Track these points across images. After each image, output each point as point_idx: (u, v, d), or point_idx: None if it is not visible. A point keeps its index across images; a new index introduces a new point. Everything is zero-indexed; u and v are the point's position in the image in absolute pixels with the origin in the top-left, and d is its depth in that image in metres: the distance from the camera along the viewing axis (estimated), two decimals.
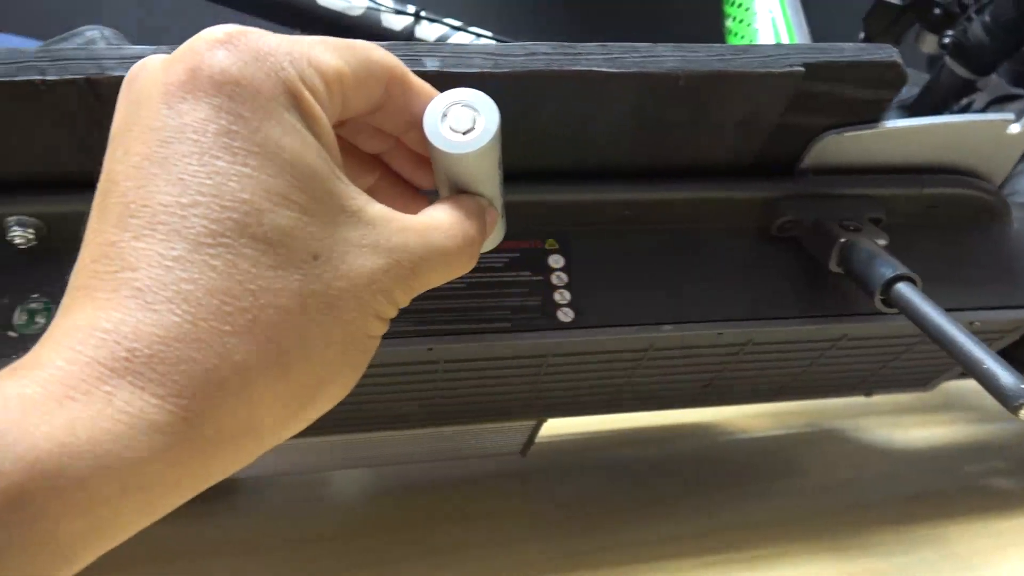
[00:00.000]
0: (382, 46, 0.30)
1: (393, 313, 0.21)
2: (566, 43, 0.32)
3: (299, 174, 0.18)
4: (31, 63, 0.28)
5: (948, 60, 0.58)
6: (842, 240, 0.36)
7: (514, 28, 0.66)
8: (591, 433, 0.61)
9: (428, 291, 0.35)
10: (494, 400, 0.42)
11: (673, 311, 0.37)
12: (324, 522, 0.49)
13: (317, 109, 0.19)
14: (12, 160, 0.30)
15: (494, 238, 0.27)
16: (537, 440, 0.50)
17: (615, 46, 0.32)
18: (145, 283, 0.16)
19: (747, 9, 0.56)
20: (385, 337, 0.34)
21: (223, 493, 0.53)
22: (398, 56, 0.30)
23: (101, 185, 0.18)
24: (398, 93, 0.22)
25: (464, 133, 0.22)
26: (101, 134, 0.30)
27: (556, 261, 0.37)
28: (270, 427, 0.18)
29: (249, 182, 0.17)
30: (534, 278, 0.37)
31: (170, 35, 0.36)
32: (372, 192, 0.25)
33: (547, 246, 0.37)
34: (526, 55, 0.31)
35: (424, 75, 0.30)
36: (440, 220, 0.22)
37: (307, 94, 0.19)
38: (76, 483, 0.15)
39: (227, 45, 0.18)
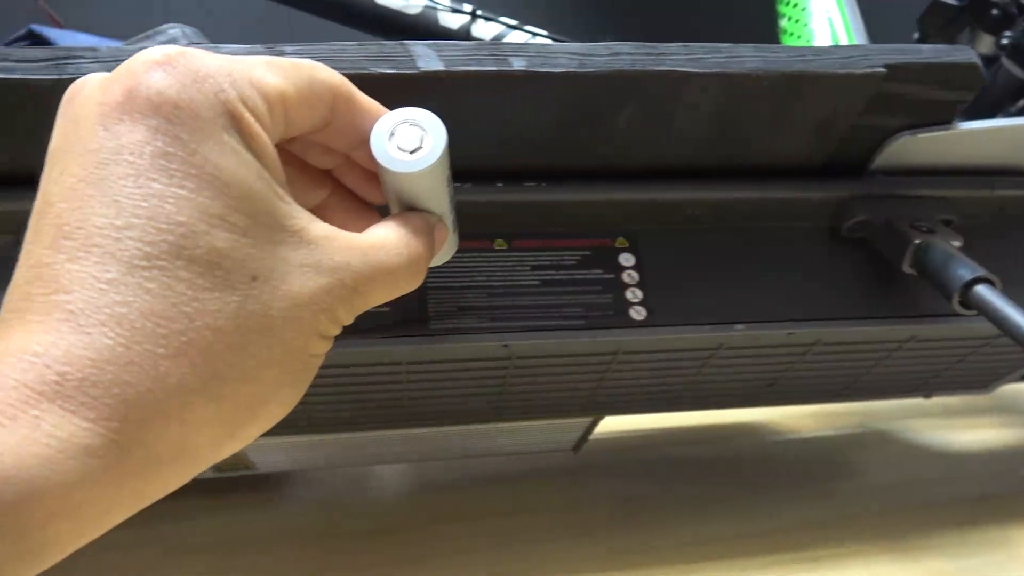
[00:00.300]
0: (470, 45, 0.31)
1: (336, 331, 0.21)
2: (648, 43, 0.32)
3: (238, 195, 0.18)
4: None
5: (1005, 61, 0.57)
6: (916, 242, 0.36)
7: (564, 27, 0.66)
8: (639, 431, 0.61)
9: (502, 288, 0.36)
10: (558, 397, 0.43)
11: (745, 311, 0.37)
12: (370, 515, 0.49)
13: (258, 130, 0.19)
14: None
15: (445, 252, 0.28)
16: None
17: (697, 46, 0.32)
18: (78, 306, 0.16)
19: (803, 9, 0.56)
20: (461, 333, 0.35)
21: (275, 485, 0.54)
22: (483, 56, 0.31)
23: (36, 206, 0.18)
24: (344, 111, 0.22)
25: (411, 152, 0.22)
26: None
27: (627, 259, 0.37)
28: (207, 448, 0.18)
29: (186, 204, 0.17)
30: (605, 276, 0.37)
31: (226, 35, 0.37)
32: (324, 208, 0.25)
33: (617, 244, 0.38)
34: (610, 55, 0.32)
35: (511, 75, 0.31)
36: (384, 238, 0.21)
37: (247, 115, 0.19)
38: (3, 509, 0.15)
39: (165, 66, 0.18)
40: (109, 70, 0.29)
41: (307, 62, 0.21)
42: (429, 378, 0.38)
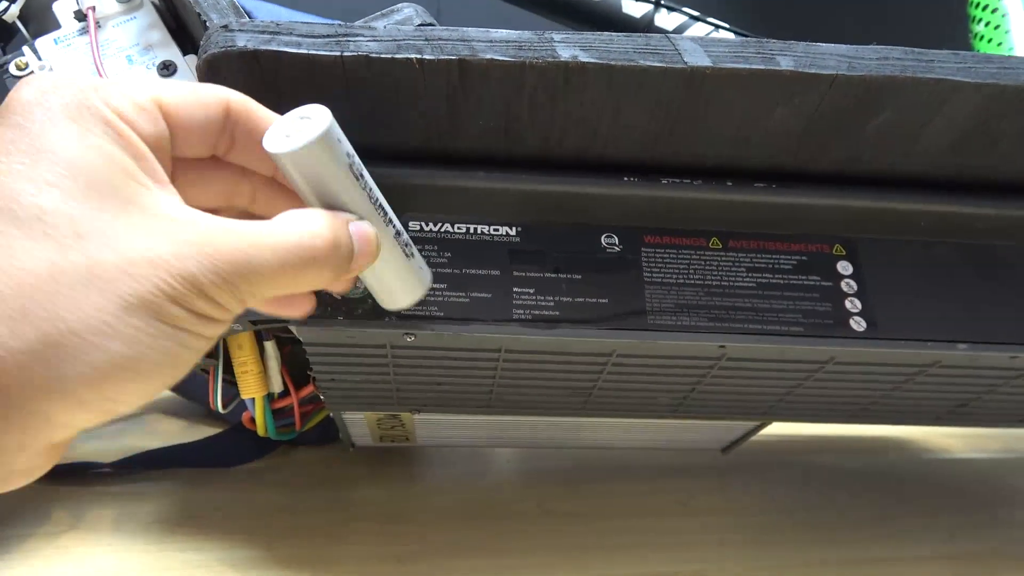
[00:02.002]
0: (736, 42, 0.30)
1: (217, 313, 0.20)
2: (916, 49, 0.31)
3: (75, 168, 0.19)
4: (410, 42, 0.29)
5: None
6: None
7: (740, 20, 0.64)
8: (782, 436, 0.60)
9: (719, 288, 0.35)
10: (744, 400, 0.42)
11: (968, 330, 0.36)
12: (529, 497, 0.50)
13: (116, 122, 0.20)
14: (375, 132, 0.32)
15: (399, 266, 0.26)
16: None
17: (967, 55, 0.31)
18: None
19: (1002, 14, 0.53)
20: (679, 331, 0.35)
21: (430, 460, 0.55)
22: (751, 54, 0.30)
23: None
24: (245, 120, 0.23)
25: (293, 137, 0.22)
26: (463, 112, 0.31)
27: (844, 268, 0.36)
28: (59, 413, 0.19)
29: (19, 175, 0.19)
30: (823, 283, 0.36)
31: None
32: None
33: (835, 252, 0.37)
34: (879, 59, 0.31)
35: (777, 75, 0.30)
36: (264, 227, 0.21)
37: (106, 111, 0.20)
38: None
39: (36, 84, 0.20)
40: (384, 48, 0.29)
41: (196, 83, 0.24)
42: (629, 371, 0.38)
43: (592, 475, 0.53)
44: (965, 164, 0.35)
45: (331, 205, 0.23)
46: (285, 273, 0.21)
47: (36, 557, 0.39)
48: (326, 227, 0.22)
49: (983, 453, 0.61)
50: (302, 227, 0.22)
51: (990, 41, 0.56)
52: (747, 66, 0.30)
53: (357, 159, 0.24)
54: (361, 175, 0.24)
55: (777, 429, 0.60)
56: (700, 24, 0.53)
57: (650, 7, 0.52)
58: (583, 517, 0.46)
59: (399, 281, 0.26)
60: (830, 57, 0.30)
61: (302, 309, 0.26)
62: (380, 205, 0.25)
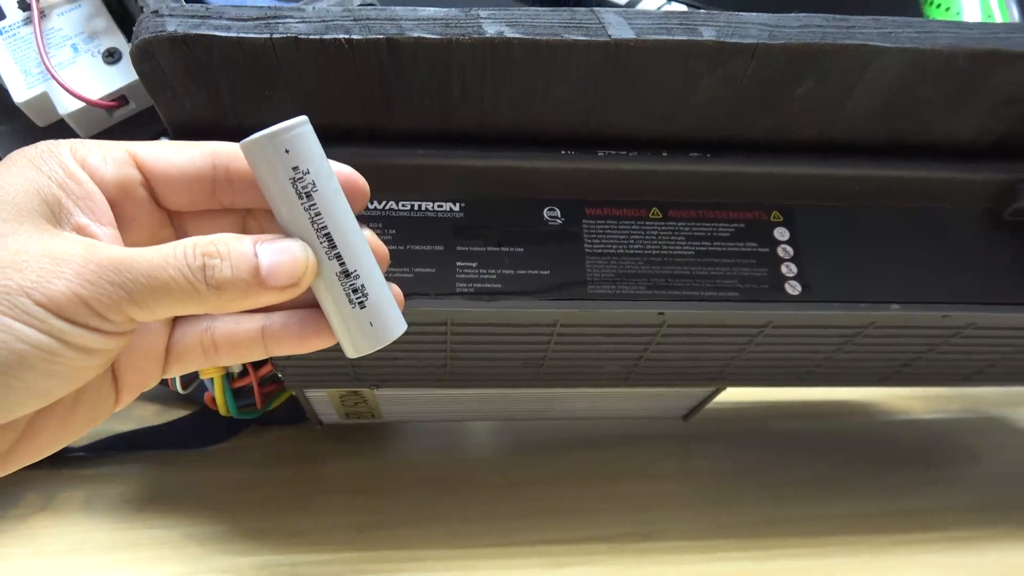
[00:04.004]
0: (660, 14, 0.31)
1: (103, 324, 0.21)
2: (838, 16, 0.32)
3: (5, 194, 0.21)
4: (338, 22, 0.30)
5: None
6: None
7: None
8: (746, 403, 0.61)
9: (658, 257, 0.36)
10: (692, 366, 0.43)
11: (900, 290, 0.37)
12: (497, 469, 0.51)
13: (71, 164, 0.22)
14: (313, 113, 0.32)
15: (337, 309, 0.23)
16: None
17: (888, 20, 0.32)
18: None
19: None
20: (619, 299, 0.36)
21: (395, 434, 0.57)
22: (674, 25, 0.31)
23: None
24: (236, 164, 0.23)
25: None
26: (395, 91, 0.32)
27: (781, 234, 0.37)
28: None
29: None
30: (760, 250, 0.37)
31: None
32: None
33: (772, 218, 0.38)
34: (800, 27, 0.31)
35: (700, 45, 0.31)
36: (159, 249, 0.21)
37: (66, 155, 0.22)
38: None
39: (24, 153, 0.22)
40: (314, 30, 0.30)
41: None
42: (574, 341, 0.39)
43: (556, 446, 0.54)
44: (894, 129, 0.36)
45: (280, 219, 0.23)
46: (158, 289, 0.21)
47: (5, 537, 0.40)
48: (181, 247, 0.21)
49: (942, 414, 0.62)
50: (168, 247, 0.21)
51: (936, 5, 0.56)
52: (670, 37, 0.31)
53: (314, 181, 0.22)
54: (308, 195, 0.22)
55: (738, 396, 0.61)
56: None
57: None
58: (544, 485, 0.48)
59: (340, 326, 0.24)
60: (752, 26, 0.31)
61: (304, 345, 0.25)
62: (327, 235, 0.23)
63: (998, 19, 0.54)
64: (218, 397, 0.44)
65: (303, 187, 0.22)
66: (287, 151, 0.22)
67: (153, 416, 0.55)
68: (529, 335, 0.38)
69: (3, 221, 0.20)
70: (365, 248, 0.23)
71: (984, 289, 0.38)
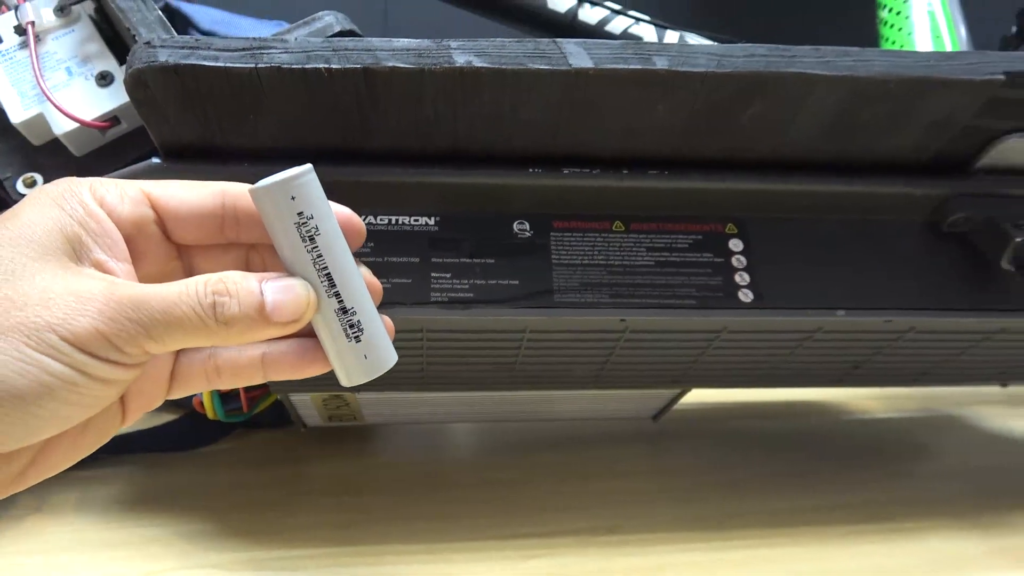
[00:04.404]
0: (617, 44, 0.34)
1: (117, 355, 0.22)
2: (781, 46, 0.35)
3: (28, 231, 0.22)
4: (319, 53, 0.32)
5: None
6: (1018, 240, 0.38)
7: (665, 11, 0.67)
8: (713, 404, 0.64)
9: (621, 267, 0.39)
10: (656, 369, 0.46)
11: (846, 297, 0.40)
12: (471, 468, 0.53)
13: (90, 203, 0.23)
14: (296, 136, 0.35)
15: (333, 344, 0.25)
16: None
17: (828, 49, 0.35)
18: None
19: (905, 0, 0.57)
20: (583, 307, 0.38)
21: (377, 436, 0.59)
22: (629, 55, 0.34)
23: None
24: (244, 203, 0.25)
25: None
26: (373, 115, 0.34)
27: (736, 245, 0.40)
28: None
29: None
30: (716, 259, 0.39)
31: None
32: None
33: (727, 230, 0.40)
34: (746, 56, 0.34)
35: (654, 73, 0.34)
36: (172, 287, 0.23)
37: (86, 194, 0.24)
38: None
39: (46, 190, 0.24)
40: (296, 60, 0.32)
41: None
42: (544, 346, 0.42)
43: (531, 446, 0.57)
44: (839, 147, 0.39)
45: (284, 258, 0.24)
46: (172, 324, 0.22)
47: (1, 537, 0.42)
48: (192, 285, 0.23)
49: (900, 413, 0.66)
50: (181, 285, 0.23)
51: (891, 26, 0.59)
52: (626, 67, 0.33)
53: (317, 225, 0.24)
54: (311, 239, 0.24)
55: (706, 398, 0.64)
56: (622, 17, 0.56)
57: (574, 2, 0.55)
58: (517, 484, 0.50)
59: (336, 358, 0.25)
60: (701, 56, 0.34)
61: (301, 372, 0.26)
62: (327, 275, 0.24)
63: (945, 37, 0.58)
64: (206, 401, 0.46)
65: (307, 231, 0.24)
66: (293, 198, 0.23)
67: (142, 420, 0.57)
68: (501, 341, 0.41)
69: (31, 259, 0.22)
70: (362, 286, 0.25)
71: (924, 295, 0.40)
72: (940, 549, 0.41)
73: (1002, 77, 0.35)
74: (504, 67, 0.33)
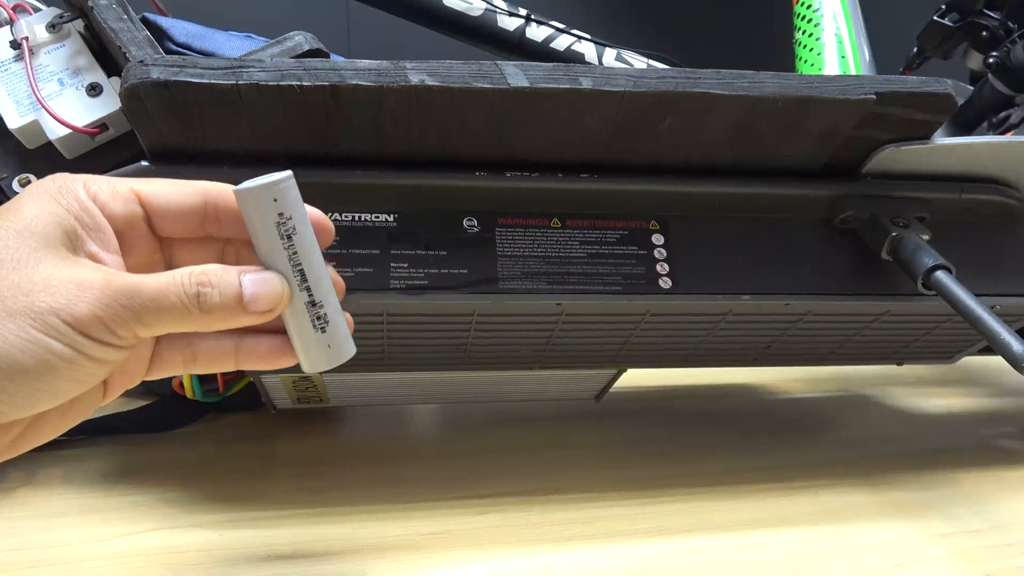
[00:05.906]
0: (550, 66, 0.39)
1: (112, 339, 0.24)
2: (688, 69, 0.41)
3: (30, 224, 0.24)
4: (292, 71, 0.37)
5: (991, 77, 0.65)
6: (893, 234, 0.45)
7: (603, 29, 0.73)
8: (651, 387, 0.70)
9: (557, 258, 0.45)
10: (593, 350, 0.52)
11: (751, 284, 0.46)
12: (429, 443, 0.59)
13: (85, 199, 0.26)
14: (271, 142, 0.40)
15: (302, 332, 0.27)
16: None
17: (727, 73, 0.41)
18: None
19: (816, 24, 0.64)
20: (524, 293, 0.44)
21: (334, 419, 0.64)
22: (560, 76, 0.39)
23: None
24: (224, 201, 0.27)
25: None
26: (339, 125, 0.39)
27: (657, 239, 0.46)
28: None
29: None
30: (639, 252, 0.45)
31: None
32: None
33: (650, 227, 0.46)
34: (658, 78, 0.40)
35: (580, 91, 0.39)
36: (160, 276, 0.25)
37: (80, 190, 0.26)
38: None
39: (41, 187, 0.26)
40: (271, 78, 0.37)
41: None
42: (491, 328, 0.47)
43: (484, 424, 0.63)
44: (743, 154, 0.45)
45: (261, 253, 0.27)
46: (161, 311, 0.25)
47: None
48: (179, 276, 0.25)
49: (820, 392, 0.73)
50: (183, 282, 0.25)
51: (804, 46, 0.66)
52: (557, 85, 0.39)
53: (295, 225, 0.26)
54: (289, 237, 0.26)
55: (644, 381, 0.70)
56: (566, 35, 0.61)
57: (521, 21, 0.60)
58: (472, 455, 0.55)
59: (301, 347, 0.28)
60: (620, 77, 0.40)
61: (269, 363, 0.29)
62: (300, 271, 0.27)
63: (850, 58, 0.65)
64: (185, 381, 0.50)
65: (285, 230, 0.26)
66: (275, 200, 0.26)
67: (118, 403, 0.61)
68: (453, 323, 0.46)
69: (34, 250, 0.24)
70: (329, 282, 0.28)
71: (818, 282, 0.47)
72: (834, 501, 0.48)
73: (873, 97, 0.42)
74: (452, 85, 0.38)
